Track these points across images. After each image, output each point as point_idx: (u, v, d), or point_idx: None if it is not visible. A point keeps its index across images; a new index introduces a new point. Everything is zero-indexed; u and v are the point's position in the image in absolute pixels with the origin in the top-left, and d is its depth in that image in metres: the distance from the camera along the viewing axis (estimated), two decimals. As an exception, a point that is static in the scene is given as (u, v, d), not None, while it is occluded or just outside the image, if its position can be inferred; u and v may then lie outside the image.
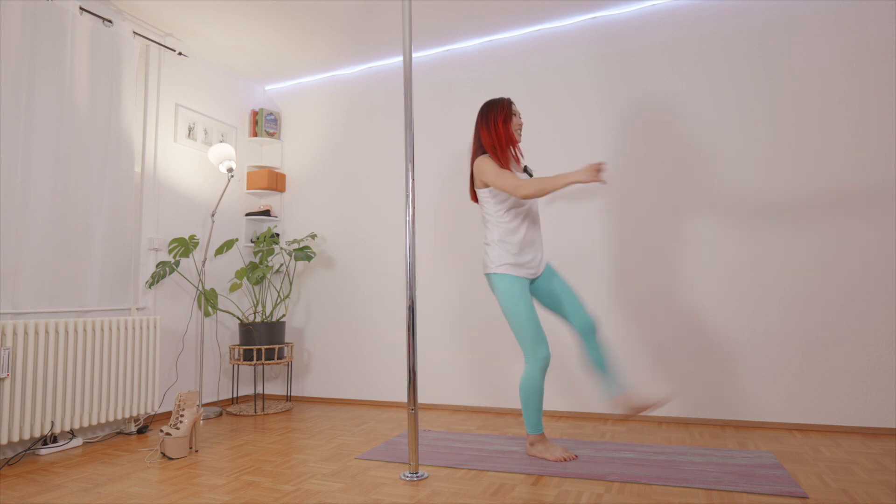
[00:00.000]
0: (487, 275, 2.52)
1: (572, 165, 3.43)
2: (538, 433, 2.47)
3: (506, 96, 2.57)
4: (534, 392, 2.42)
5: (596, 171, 2.22)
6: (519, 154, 2.60)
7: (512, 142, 2.51)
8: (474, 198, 2.63)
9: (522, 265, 2.47)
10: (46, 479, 2.31)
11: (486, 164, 2.46)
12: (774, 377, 2.96)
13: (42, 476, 2.36)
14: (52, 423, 2.66)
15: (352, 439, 2.90)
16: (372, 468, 2.38)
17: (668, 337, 3.16)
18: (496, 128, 2.50)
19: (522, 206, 2.50)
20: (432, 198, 3.80)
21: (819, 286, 2.92)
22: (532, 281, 2.57)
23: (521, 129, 2.58)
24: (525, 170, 2.62)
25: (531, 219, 2.53)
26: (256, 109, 4.29)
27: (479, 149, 2.56)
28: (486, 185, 2.49)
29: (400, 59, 4.01)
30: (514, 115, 2.54)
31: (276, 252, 4.16)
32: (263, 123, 4.24)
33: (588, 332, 2.49)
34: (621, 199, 3.32)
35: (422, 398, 3.73)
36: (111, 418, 2.92)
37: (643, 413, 2.42)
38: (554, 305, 2.56)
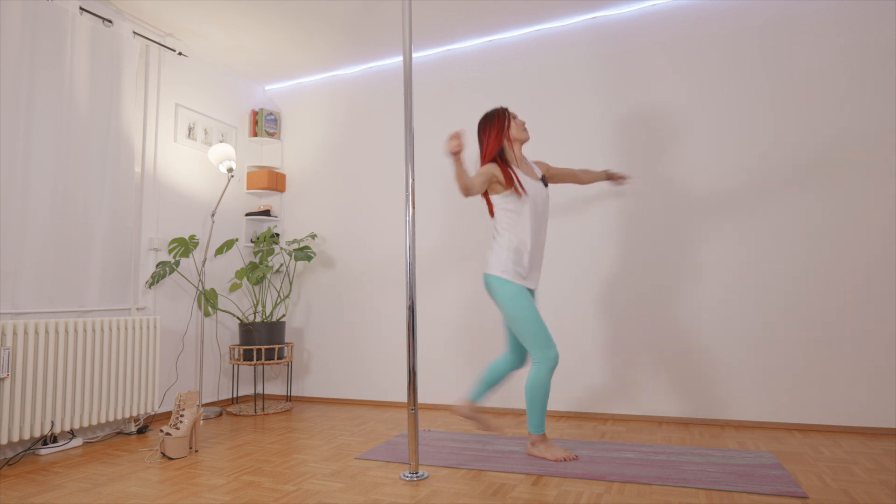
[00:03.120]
0: (487, 275, 2.51)
1: (572, 165, 3.43)
2: (540, 433, 2.47)
3: (500, 106, 2.61)
4: (541, 392, 2.42)
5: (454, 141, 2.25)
6: (531, 166, 2.64)
7: (494, 151, 2.54)
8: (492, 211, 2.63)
9: (524, 277, 2.50)
10: (46, 479, 2.31)
11: (486, 167, 2.48)
12: (774, 377, 2.96)
13: (42, 476, 2.36)
14: (52, 423, 2.66)
15: (352, 439, 2.90)
16: (372, 468, 2.38)
17: (668, 337, 3.16)
18: (487, 142, 2.55)
19: (529, 217, 2.50)
20: (432, 198, 3.80)
21: (819, 286, 2.92)
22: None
23: (524, 127, 2.60)
24: (542, 179, 2.63)
25: (539, 231, 2.54)
26: (256, 109, 4.29)
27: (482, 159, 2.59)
28: (494, 192, 2.53)
29: (400, 59, 4.01)
30: (513, 119, 2.57)
31: (276, 252, 4.16)
32: (263, 123, 4.24)
33: (516, 367, 2.67)
34: (620, 199, 3.32)
35: (422, 398, 3.73)
36: (111, 418, 2.92)
37: (468, 418, 2.69)
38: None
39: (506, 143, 2.55)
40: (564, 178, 2.79)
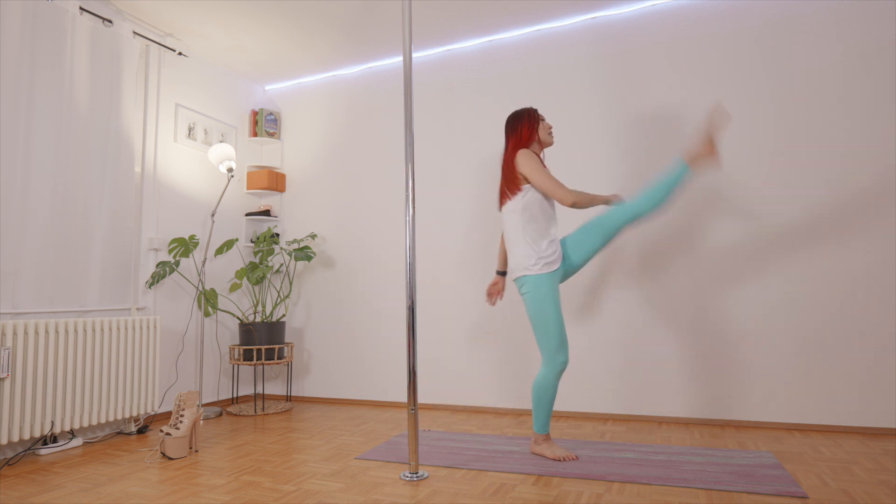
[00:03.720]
0: (519, 278, 2.49)
1: (572, 165, 3.43)
2: (545, 433, 2.48)
3: (530, 106, 2.62)
4: (547, 393, 2.43)
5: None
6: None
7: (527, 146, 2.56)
8: (505, 199, 2.55)
9: (552, 259, 2.45)
10: (46, 479, 2.31)
11: (530, 158, 2.44)
12: (774, 377, 2.96)
13: (42, 476, 2.36)
14: (52, 423, 2.66)
15: (352, 439, 2.90)
16: (372, 468, 2.38)
17: (668, 337, 3.16)
18: (519, 136, 2.56)
19: (549, 204, 2.51)
20: (432, 198, 3.80)
21: (819, 286, 2.92)
22: (562, 267, 2.52)
23: (551, 132, 2.64)
24: None
25: (553, 213, 2.55)
26: (256, 109, 4.29)
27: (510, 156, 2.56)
28: (525, 181, 2.47)
29: (400, 59, 4.01)
30: (541, 121, 2.60)
31: (276, 252, 4.16)
32: (263, 123, 4.24)
33: (634, 212, 2.44)
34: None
35: (422, 398, 3.73)
36: (111, 418, 2.92)
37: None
38: (597, 241, 2.49)
39: (533, 143, 2.58)
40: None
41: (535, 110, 2.60)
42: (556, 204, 2.53)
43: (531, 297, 2.44)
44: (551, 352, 2.41)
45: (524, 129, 2.56)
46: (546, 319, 2.41)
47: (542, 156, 2.63)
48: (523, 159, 2.45)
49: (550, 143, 2.62)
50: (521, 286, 2.50)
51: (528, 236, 2.46)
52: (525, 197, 2.47)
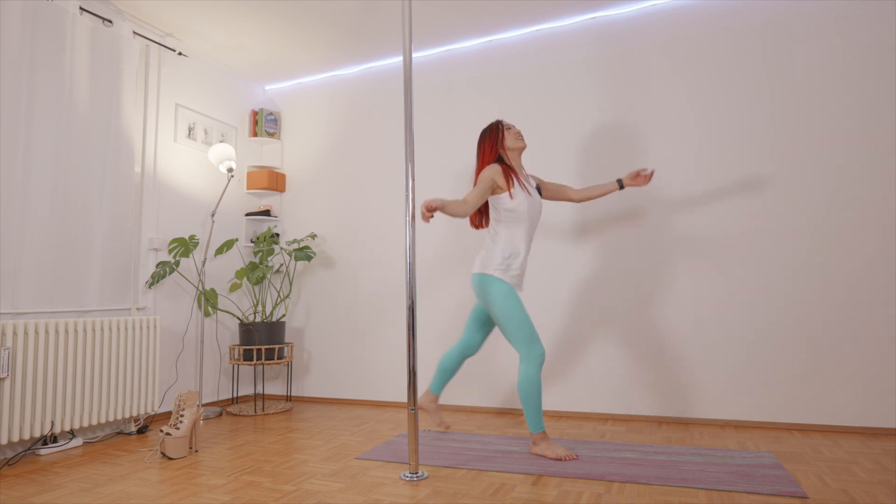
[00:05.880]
0: (480, 274, 2.56)
1: (572, 165, 3.43)
2: (540, 431, 2.48)
3: (497, 119, 2.71)
4: (533, 390, 2.44)
5: None
6: (527, 177, 2.69)
7: (492, 161, 2.63)
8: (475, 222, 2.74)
9: (514, 276, 2.55)
10: (46, 479, 2.31)
11: (485, 171, 2.54)
12: (774, 377, 2.96)
13: (42, 476, 2.36)
14: (52, 423, 2.66)
15: (352, 439, 2.90)
16: (372, 468, 2.38)
17: (667, 337, 3.16)
18: (483, 155, 2.64)
19: (523, 220, 2.56)
20: (432, 197, 3.79)
21: (819, 286, 2.92)
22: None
23: (520, 136, 2.65)
24: (537, 189, 2.70)
25: (530, 240, 2.62)
26: (256, 109, 4.29)
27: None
28: (493, 193, 2.59)
29: (400, 59, 4.01)
30: (507, 129, 2.64)
31: (276, 252, 4.16)
32: (263, 123, 4.24)
33: (469, 355, 2.81)
34: (621, 198, 3.32)
35: (422, 398, 3.73)
36: (111, 418, 2.92)
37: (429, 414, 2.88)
38: (481, 321, 2.76)
39: (502, 153, 2.62)
40: (555, 195, 2.81)
41: (499, 123, 2.64)
42: (529, 234, 2.59)
43: (494, 297, 2.52)
44: (527, 346, 2.45)
45: (486, 147, 2.63)
46: (513, 317, 2.48)
47: (518, 161, 2.65)
48: (480, 177, 2.54)
49: (522, 147, 2.65)
50: (480, 285, 2.56)
51: (501, 245, 2.55)
52: (501, 205, 2.56)
